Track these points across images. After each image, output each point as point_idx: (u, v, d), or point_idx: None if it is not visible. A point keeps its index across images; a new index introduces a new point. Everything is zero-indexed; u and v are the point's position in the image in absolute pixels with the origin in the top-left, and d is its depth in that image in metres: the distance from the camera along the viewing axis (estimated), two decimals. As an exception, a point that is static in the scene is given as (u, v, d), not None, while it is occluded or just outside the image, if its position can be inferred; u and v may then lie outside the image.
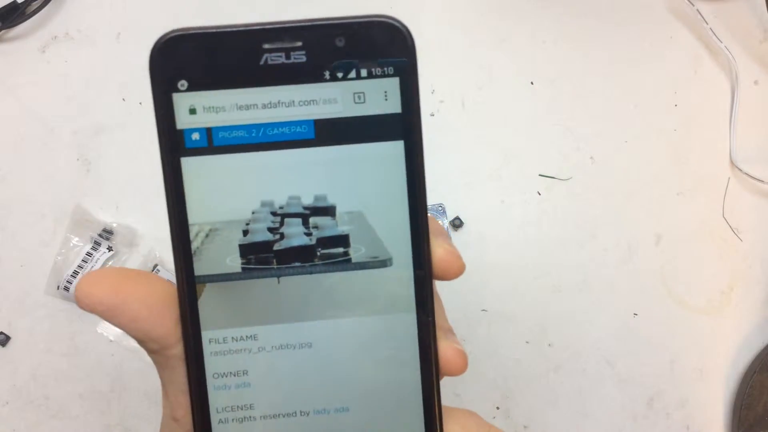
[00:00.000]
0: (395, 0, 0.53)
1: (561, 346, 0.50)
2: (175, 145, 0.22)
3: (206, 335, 0.23)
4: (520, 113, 0.53)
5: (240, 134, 0.22)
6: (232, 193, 0.23)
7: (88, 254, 0.47)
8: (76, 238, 0.48)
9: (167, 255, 0.49)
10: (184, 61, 0.22)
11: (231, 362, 0.23)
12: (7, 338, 0.47)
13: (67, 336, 0.48)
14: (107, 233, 0.48)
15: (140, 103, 0.50)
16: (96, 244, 0.48)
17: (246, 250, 0.23)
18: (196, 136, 0.22)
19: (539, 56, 0.53)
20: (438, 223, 0.24)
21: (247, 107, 0.22)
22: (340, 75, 0.22)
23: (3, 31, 0.50)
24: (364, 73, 0.23)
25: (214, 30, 0.22)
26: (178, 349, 0.23)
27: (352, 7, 0.53)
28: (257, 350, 0.24)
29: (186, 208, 0.23)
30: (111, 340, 0.48)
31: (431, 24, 0.53)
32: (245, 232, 0.23)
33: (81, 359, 0.47)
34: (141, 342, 0.23)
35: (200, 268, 0.23)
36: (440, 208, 0.50)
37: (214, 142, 0.22)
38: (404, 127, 0.23)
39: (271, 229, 0.23)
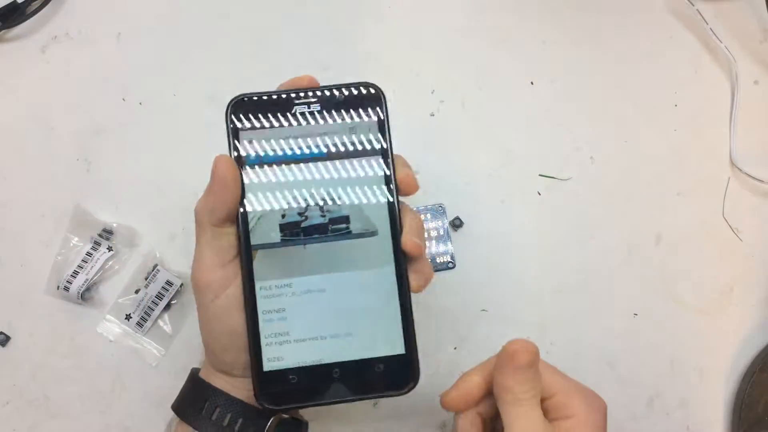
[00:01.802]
0: (394, 1, 0.53)
1: (561, 346, 0.50)
2: (239, 163, 0.35)
3: (258, 284, 0.34)
4: (520, 113, 0.53)
5: (280, 155, 0.35)
6: (275, 191, 0.35)
7: (88, 254, 0.47)
8: (76, 238, 0.48)
9: (167, 255, 0.49)
10: (246, 111, 0.35)
11: (274, 303, 0.34)
12: (7, 338, 0.47)
13: (67, 336, 0.48)
14: (107, 233, 0.48)
15: (140, 103, 0.50)
16: (96, 244, 0.48)
17: (284, 227, 0.35)
18: (252, 156, 0.35)
19: (539, 56, 0.53)
20: (403, 158, 0.36)
21: (285, 138, 0.35)
22: (341, 118, 0.35)
23: (3, 31, 0.50)
24: (356, 117, 0.35)
25: (266, 93, 0.35)
26: (221, 231, 0.34)
27: (348, 14, 0.53)
28: (291, 294, 0.35)
29: (246, 201, 0.34)
30: (111, 340, 0.48)
31: (431, 24, 0.53)
32: (283, 216, 0.35)
33: (81, 359, 0.47)
34: (212, 207, 0.34)
35: (254, 239, 0.34)
36: (440, 208, 0.50)
37: (264, 160, 0.35)
38: (381, 147, 0.35)
39: (299, 213, 0.35)
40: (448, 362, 0.49)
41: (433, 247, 0.50)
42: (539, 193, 0.52)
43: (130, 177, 0.50)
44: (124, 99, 0.50)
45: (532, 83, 0.53)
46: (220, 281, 0.34)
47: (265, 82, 0.51)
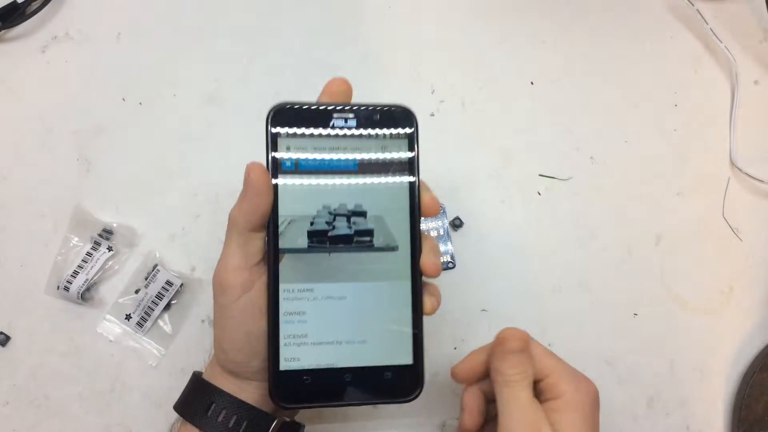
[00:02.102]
0: (394, 1, 0.53)
1: (561, 346, 0.50)
2: (275, 167, 0.35)
3: (282, 286, 0.35)
4: (520, 113, 0.53)
5: (314, 164, 0.36)
6: (306, 198, 0.36)
7: (88, 254, 0.47)
8: (76, 238, 0.48)
9: (167, 255, 0.49)
10: (286, 120, 0.35)
11: (295, 305, 0.35)
12: (7, 338, 0.47)
13: (67, 336, 0.48)
14: (107, 233, 0.48)
15: (140, 103, 0.50)
16: (96, 244, 0.48)
17: (311, 234, 0.36)
18: (288, 163, 0.36)
19: (539, 56, 0.53)
20: (425, 183, 0.37)
21: (320, 149, 0.36)
22: (374, 134, 0.36)
23: (3, 31, 0.50)
24: (388, 134, 0.36)
25: (306, 105, 0.36)
26: (252, 236, 0.35)
27: (348, 14, 0.53)
28: (312, 299, 0.36)
29: (278, 205, 0.35)
30: (111, 340, 0.48)
31: (431, 24, 0.53)
32: (311, 223, 0.36)
33: (81, 359, 0.47)
34: (247, 212, 0.34)
35: (282, 243, 0.35)
36: (440, 208, 0.50)
37: (299, 167, 0.36)
38: (409, 168, 0.37)
39: (327, 222, 0.36)
40: (448, 362, 0.49)
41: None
42: (539, 193, 0.52)
43: (130, 177, 0.50)
44: (124, 99, 0.50)
45: (532, 83, 0.53)
46: (243, 283, 0.35)
47: (265, 81, 0.51)
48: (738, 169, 0.53)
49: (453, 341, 0.49)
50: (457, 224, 0.50)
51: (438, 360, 0.49)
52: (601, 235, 0.52)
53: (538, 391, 0.37)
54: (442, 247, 0.50)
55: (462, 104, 0.52)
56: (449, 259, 0.50)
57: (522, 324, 0.50)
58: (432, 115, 0.52)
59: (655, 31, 0.55)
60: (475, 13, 0.54)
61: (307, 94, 0.52)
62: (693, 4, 0.53)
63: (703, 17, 0.53)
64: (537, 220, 0.51)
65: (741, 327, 0.52)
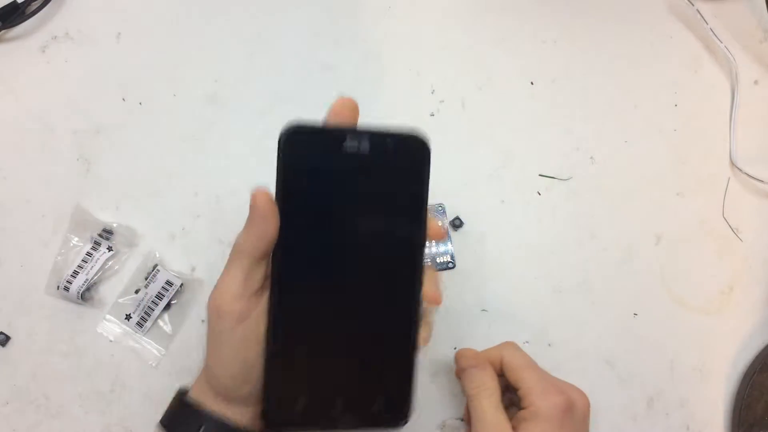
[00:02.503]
0: (394, 1, 0.53)
1: (561, 346, 0.50)
2: (286, 193, 0.34)
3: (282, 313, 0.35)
4: (520, 113, 0.53)
5: (324, 191, 0.35)
6: (314, 225, 0.35)
7: (88, 254, 0.47)
8: (76, 238, 0.48)
9: (167, 255, 0.49)
10: (299, 142, 0.34)
11: (293, 332, 0.35)
12: (7, 338, 0.47)
13: (67, 336, 0.48)
14: (107, 233, 0.48)
15: (140, 103, 0.50)
16: (96, 244, 0.48)
17: (315, 263, 0.35)
18: (299, 189, 0.34)
19: (539, 56, 0.53)
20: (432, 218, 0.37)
21: (332, 174, 0.35)
22: (386, 162, 0.35)
23: (3, 31, 0.50)
24: (400, 164, 0.35)
25: (320, 126, 0.35)
26: (256, 264, 0.35)
27: (348, 14, 0.53)
28: (310, 326, 0.36)
29: (286, 235, 0.34)
30: (111, 340, 0.48)
31: (431, 24, 0.53)
32: (316, 251, 0.35)
33: (81, 359, 0.47)
34: (255, 240, 0.34)
35: (286, 272, 0.35)
36: (440, 208, 0.50)
37: (308, 194, 0.35)
38: (418, 199, 0.36)
39: (332, 250, 0.35)
40: (447, 362, 0.49)
41: (433, 247, 0.50)
42: (539, 193, 0.52)
43: (130, 177, 0.50)
44: (124, 99, 0.50)
45: (532, 83, 0.53)
46: (243, 311, 0.35)
47: (266, 82, 0.51)
48: (738, 169, 0.53)
49: (452, 341, 0.49)
50: (457, 224, 0.50)
51: (438, 360, 0.49)
52: (601, 235, 0.52)
53: (517, 398, 0.41)
54: (441, 247, 0.50)
55: (462, 104, 0.52)
56: (449, 259, 0.50)
57: (522, 324, 0.50)
58: (432, 115, 0.52)
59: (655, 31, 0.55)
60: (475, 13, 0.54)
61: (307, 94, 0.53)
62: (693, 4, 0.53)
63: (703, 17, 0.53)
64: (537, 220, 0.51)
65: (741, 327, 0.52)
